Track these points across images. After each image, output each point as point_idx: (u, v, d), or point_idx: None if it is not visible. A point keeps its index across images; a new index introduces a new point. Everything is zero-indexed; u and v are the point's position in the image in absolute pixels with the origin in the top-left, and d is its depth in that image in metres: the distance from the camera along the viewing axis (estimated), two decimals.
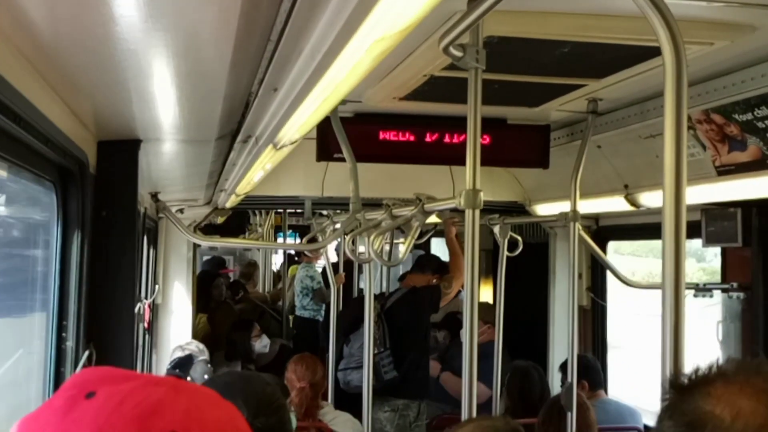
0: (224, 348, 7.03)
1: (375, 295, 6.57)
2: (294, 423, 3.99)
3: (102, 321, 2.95)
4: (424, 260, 6.26)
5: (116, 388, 0.92)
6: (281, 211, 10.16)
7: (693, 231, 4.34)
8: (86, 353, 2.76)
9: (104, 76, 2.01)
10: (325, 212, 6.08)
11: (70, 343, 2.71)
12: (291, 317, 10.10)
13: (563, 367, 4.87)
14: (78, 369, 2.65)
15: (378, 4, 1.36)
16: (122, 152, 3.03)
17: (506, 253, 4.96)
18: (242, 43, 1.63)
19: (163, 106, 2.36)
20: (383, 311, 5.66)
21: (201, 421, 0.92)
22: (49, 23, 1.59)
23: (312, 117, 2.41)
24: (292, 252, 12.50)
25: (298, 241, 11.41)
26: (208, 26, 1.52)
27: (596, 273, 5.86)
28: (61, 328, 2.71)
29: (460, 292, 6.15)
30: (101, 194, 2.96)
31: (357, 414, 4.45)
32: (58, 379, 2.67)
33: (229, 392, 1.87)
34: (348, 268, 8.46)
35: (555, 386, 5.59)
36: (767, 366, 1.17)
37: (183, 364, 5.50)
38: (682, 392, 1.17)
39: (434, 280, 5.86)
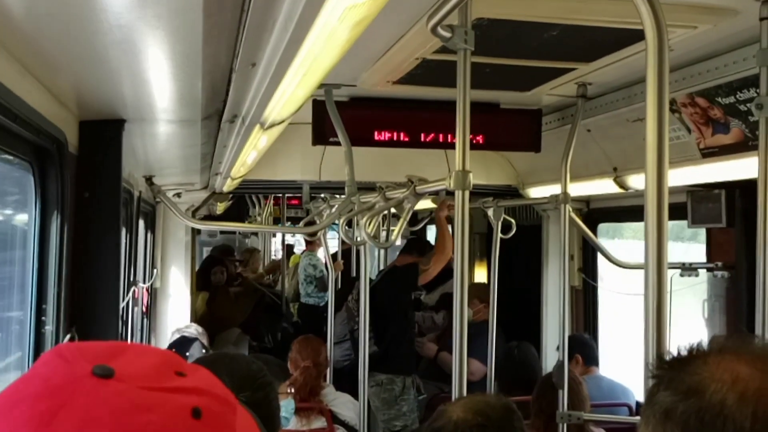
0: (225, 328, 7.20)
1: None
2: (292, 405, 4.10)
3: (85, 304, 2.90)
4: (410, 242, 6.55)
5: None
6: (280, 197, 10.26)
7: (678, 212, 4.43)
8: (68, 337, 2.72)
9: (82, 55, 1.99)
10: (322, 196, 6.17)
11: (49, 327, 2.66)
12: (294, 305, 10.24)
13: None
14: None
15: None
16: (105, 132, 2.97)
17: (500, 235, 5.06)
18: (212, 14, 1.62)
19: (143, 85, 2.33)
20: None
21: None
22: (25, 7, 1.59)
23: (296, 94, 2.40)
24: (291, 242, 12.62)
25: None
26: None
27: (587, 254, 5.96)
28: (39, 311, 2.65)
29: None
30: (84, 175, 2.91)
31: (340, 388, 4.58)
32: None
33: (215, 369, 1.95)
34: (346, 255, 8.57)
35: (550, 364, 5.71)
36: (752, 340, 1.23)
37: (181, 344, 5.63)
38: (677, 365, 1.20)
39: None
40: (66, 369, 0.81)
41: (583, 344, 5.29)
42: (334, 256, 7.45)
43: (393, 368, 5.78)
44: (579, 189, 4.67)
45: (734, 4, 2.65)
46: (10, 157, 2.47)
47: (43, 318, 2.64)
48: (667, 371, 1.20)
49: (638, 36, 2.82)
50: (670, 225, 1.75)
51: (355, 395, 4.60)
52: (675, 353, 1.22)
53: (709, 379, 1.13)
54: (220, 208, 9.56)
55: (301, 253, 11.13)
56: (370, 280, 6.64)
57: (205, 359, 2.34)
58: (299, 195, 7.72)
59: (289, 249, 12.57)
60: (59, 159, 2.63)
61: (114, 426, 0.77)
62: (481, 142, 4.57)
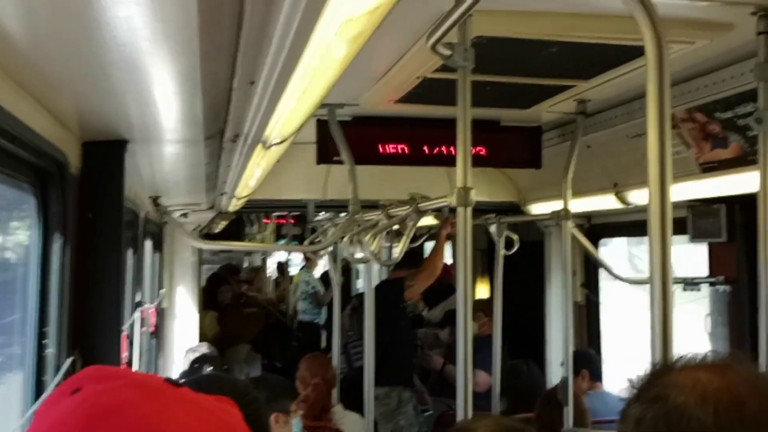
0: (235, 345, 7.26)
1: (358, 295, 6.89)
2: (301, 425, 4.11)
3: (87, 327, 2.87)
4: (405, 257, 6.55)
5: (98, 386, 0.93)
6: (283, 217, 10.33)
7: (679, 227, 4.46)
8: (69, 360, 2.68)
9: (83, 77, 2.00)
10: (324, 214, 6.22)
11: (51, 350, 2.62)
12: (296, 321, 10.32)
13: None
14: (59, 376, 2.58)
15: None
16: (108, 153, 2.96)
17: (503, 251, 5.09)
18: (209, 31, 1.63)
19: (145, 105, 2.34)
20: (361, 306, 5.96)
21: (159, 430, 0.89)
22: (26, 30, 1.61)
23: (296, 112, 2.42)
24: (283, 260, 12.74)
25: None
26: (170, 15, 1.50)
27: (590, 270, 5.98)
28: (41, 334, 2.61)
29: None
30: (86, 196, 2.90)
31: None
32: (39, 386, 2.58)
33: (204, 389, 1.98)
34: (345, 272, 8.63)
35: (554, 379, 5.72)
36: (713, 356, 1.30)
37: (198, 362, 5.65)
38: (647, 382, 1.29)
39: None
40: None
41: (589, 360, 5.32)
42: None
43: (385, 381, 5.79)
44: (580, 205, 4.70)
45: (730, 19, 2.69)
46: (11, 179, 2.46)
47: (45, 341, 2.62)
48: (639, 388, 1.29)
49: (636, 52, 2.88)
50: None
51: (350, 408, 4.62)
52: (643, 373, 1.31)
53: (672, 386, 1.23)
54: (219, 226, 9.62)
55: (300, 270, 11.21)
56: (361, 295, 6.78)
57: (195, 381, 2.38)
58: (298, 213, 7.78)
59: (281, 267, 12.68)
60: (61, 181, 2.62)
61: None
62: (482, 159, 4.61)
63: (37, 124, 2.24)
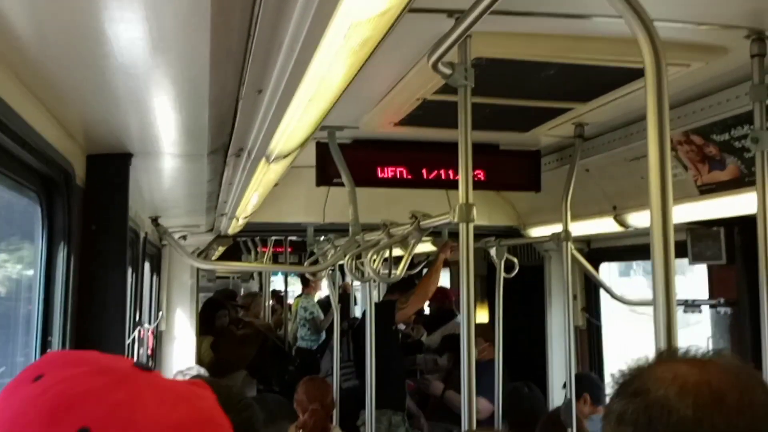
0: (231, 372, 7.19)
1: (348, 318, 6.90)
2: None
3: (91, 338, 2.88)
4: (395, 283, 6.57)
5: (62, 373, 0.87)
6: (281, 244, 10.35)
7: (679, 250, 4.46)
8: None
9: (91, 86, 2.03)
10: (325, 237, 6.24)
11: None
12: (294, 348, 10.29)
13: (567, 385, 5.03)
14: None
15: None
16: (112, 166, 3.00)
17: (503, 274, 5.10)
18: (219, 37, 1.65)
19: (151, 116, 2.36)
20: (350, 329, 6.33)
21: (128, 420, 0.83)
22: (37, 35, 1.63)
23: (301, 124, 2.43)
24: (280, 289, 12.79)
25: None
26: (181, 22, 1.52)
27: (590, 293, 5.99)
28: (45, 344, 2.62)
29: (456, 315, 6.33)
30: (91, 208, 2.92)
31: None
32: None
33: None
34: (343, 299, 8.65)
35: (555, 402, 5.71)
36: (707, 352, 1.31)
37: None
38: (628, 377, 1.30)
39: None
40: None
41: (591, 383, 5.30)
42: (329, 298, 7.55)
43: (376, 404, 5.78)
44: (580, 228, 4.72)
45: (725, 42, 2.73)
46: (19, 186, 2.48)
47: (49, 350, 2.62)
48: (619, 384, 1.31)
49: (633, 74, 2.92)
50: None
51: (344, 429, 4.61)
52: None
53: (652, 380, 1.24)
54: (217, 252, 9.65)
55: (298, 296, 11.20)
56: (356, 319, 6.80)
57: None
58: (297, 241, 7.78)
59: (277, 296, 12.70)
60: (67, 191, 2.64)
61: None
62: (481, 182, 4.64)
63: (46, 131, 2.26)
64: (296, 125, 2.41)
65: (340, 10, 1.47)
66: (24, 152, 2.15)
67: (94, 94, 2.12)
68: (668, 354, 1.33)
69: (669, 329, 1.58)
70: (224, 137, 2.85)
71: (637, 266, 9.60)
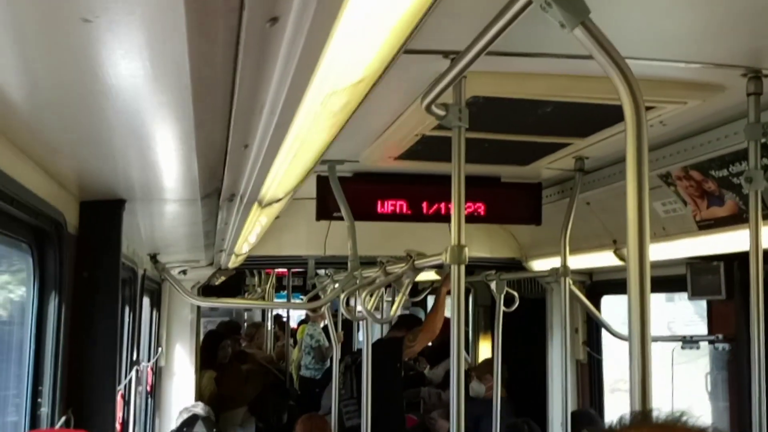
0: (232, 408, 7.14)
1: (352, 352, 6.85)
2: None
3: (82, 386, 2.88)
4: (400, 319, 6.53)
5: None
6: (285, 271, 10.33)
7: (679, 284, 4.46)
8: (63, 419, 2.69)
9: (82, 139, 2.05)
10: (325, 271, 6.23)
11: (45, 409, 2.63)
12: (297, 378, 10.23)
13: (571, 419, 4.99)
14: None
15: (322, 55, 1.42)
16: (105, 212, 3.02)
17: (503, 308, 5.08)
18: (202, 99, 1.68)
19: (142, 167, 2.39)
20: (353, 364, 6.10)
21: None
22: (29, 97, 1.66)
23: (290, 174, 2.47)
24: (282, 314, 12.75)
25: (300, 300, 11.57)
26: (165, 82, 1.55)
27: (591, 327, 5.95)
28: (36, 393, 2.63)
29: None
30: (83, 255, 2.93)
31: None
32: None
33: None
34: (347, 326, 8.60)
35: None
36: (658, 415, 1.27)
37: (188, 424, 5.60)
38: None
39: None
40: None
41: (591, 420, 5.24)
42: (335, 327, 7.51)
43: None
44: (580, 261, 4.71)
45: (721, 80, 2.73)
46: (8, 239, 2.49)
47: (39, 400, 2.63)
48: None
49: None
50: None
51: None
52: None
53: None
54: (219, 279, 9.63)
55: (301, 323, 11.16)
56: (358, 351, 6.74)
57: None
58: (303, 270, 7.76)
59: (279, 320, 12.65)
60: (58, 240, 2.65)
61: None
62: (482, 215, 4.64)
63: (36, 185, 2.28)
64: (284, 175, 2.42)
65: (314, 81, 1.51)
66: (12, 208, 2.16)
67: (86, 147, 2.15)
68: (632, 420, 1.30)
69: (643, 364, 1.55)
70: (216, 183, 2.88)
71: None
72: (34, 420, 2.61)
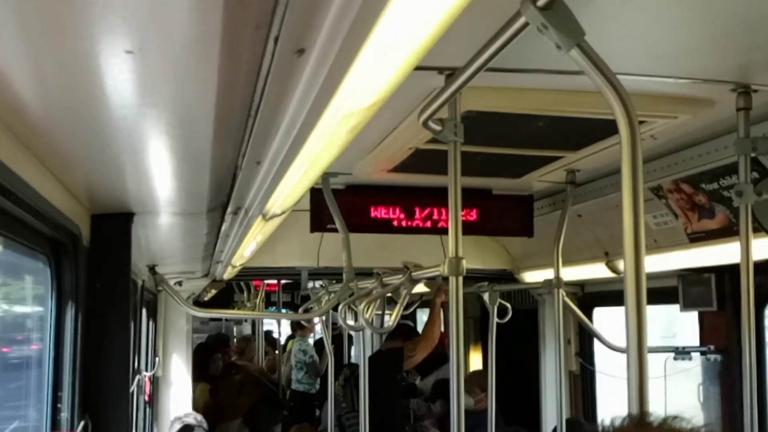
0: (228, 419, 7.15)
1: (349, 364, 6.83)
2: None
3: (98, 392, 2.99)
4: (398, 328, 6.52)
5: None
6: (275, 286, 10.36)
7: (670, 296, 4.50)
8: (82, 424, 2.79)
9: (97, 153, 2.11)
10: (319, 284, 6.25)
11: (65, 414, 2.74)
12: (288, 391, 10.19)
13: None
14: None
15: (343, 83, 1.48)
16: (116, 225, 3.11)
17: (496, 319, 5.11)
18: (222, 119, 1.75)
19: (154, 181, 2.45)
20: (352, 376, 6.05)
21: None
22: (42, 104, 1.70)
23: (297, 188, 2.51)
24: (272, 330, 12.76)
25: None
26: (188, 103, 1.62)
27: (584, 338, 5.98)
28: (56, 399, 2.74)
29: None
30: (95, 266, 3.03)
31: None
32: None
33: None
34: (337, 340, 8.59)
35: None
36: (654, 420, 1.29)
37: None
38: None
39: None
40: None
41: (581, 429, 5.27)
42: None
43: None
44: (572, 273, 4.74)
45: (711, 95, 2.78)
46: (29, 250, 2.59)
47: (59, 405, 2.73)
48: None
49: None
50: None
51: None
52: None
53: None
54: (209, 294, 9.66)
55: (289, 339, 11.14)
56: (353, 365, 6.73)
57: None
58: (294, 281, 7.77)
59: (269, 337, 12.66)
60: (74, 252, 2.76)
61: None
62: (474, 227, 4.67)
63: (54, 197, 2.35)
64: (292, 190, 2.47)
65: (332, 106, 1.57)
66: (33, 219, 2.24)
67: (100, 160, 2.20)
68: (626, 424, 1.32)
69: (641, 375, 1.59)
70: (223, 197, 2.93)
71: None
72: (55, 424, 2.72)
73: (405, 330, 6.45)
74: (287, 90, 1.61)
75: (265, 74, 1.47)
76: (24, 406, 2.93)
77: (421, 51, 1.45)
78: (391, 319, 4.13)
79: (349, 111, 1.65)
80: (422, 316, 10.09)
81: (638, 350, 1.61)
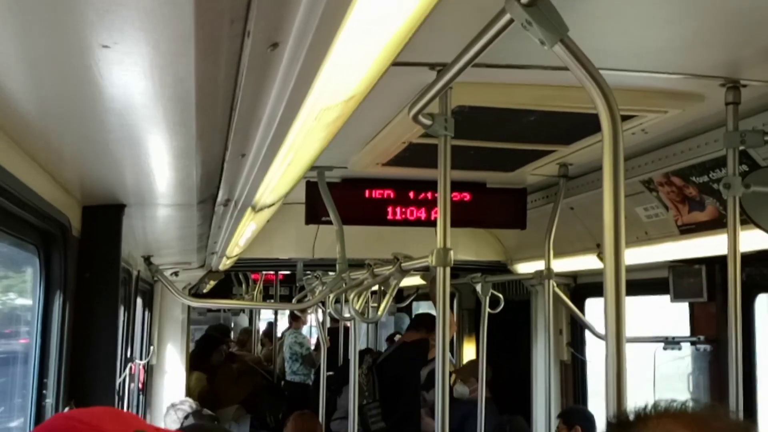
0: (224, 405, 7.24)
1: (368, 350, 6.78)
2: None
3: (83, 379, 3.01)
4: (417, 319, 6.50)
5: None
6: (272, 277, 10.40)
7: (661, 287, 4.55)
8: (66, 410, 2.80)
9: (86, 146, 2.14)
10: (314, 274, 6.28)
11: (50, 401, 2.77)
12: (283, 382, 10.25)
13: (561, 415, 5.05)
14: None
15: (317, 77, 1.50)
16: (106, 216, 3.13)
17: (488, 310, 5.16)
18: (205, 112, 1.77)
19: (143, 174, 2.48)
20: (374, 365, 5.93)
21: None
22: (32, 99, 1.73)
23: (284, 180, 2.54)
24: (269, 323, 12.85)
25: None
26: (170, 95, 1.62)
27: (576, 328, 6.03)
28: (41, 385, 2.77)
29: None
30: (85, 257, 3.05)
31: None
32: None
33: None
34: (332, 331, 8.63)
35: None
36: (691, 405, 1.31)
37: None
38: (622, 426, 1.30)
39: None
40: None
41: (585, 417, 5.32)
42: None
43: None
44: (564, 265, 4.78)
45: (701, 89, 2.81)
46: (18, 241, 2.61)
47: (44, 392, 2.75)
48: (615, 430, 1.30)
49: None
50: None
51: None
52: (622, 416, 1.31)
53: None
54: (208, 286, 9.70)
55: (285, 331, 11.20)
56: (377, 353, 6.72)
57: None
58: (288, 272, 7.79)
59: (268, 330, 12.72)
60: (63, 243, 2.77)
61: None
62: (469, 219, 4.71)
63: (44, 190, 2.38)
64: (278, 182, 2.49)
65: (309, 99, 1.60)
66: (22, 211, 2.26)
67: (90, 155, 2.23)
68: (666, 408, 1.32)
69: (618, 363, 1.61)
70: (212, 189, 2.95)
71: None
72: (40, 410, 2.74)
73: (427, 320, 6.37)
74: (265, 84, 1.63)
75: (245, 68, 1.49)
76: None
77: (394, 46, 1.47)
78: (379, 309, 4.16)
79: (327, 104, 1.68)
80: (418, 309, 10.14)
81: (616, 339, 1.63)
